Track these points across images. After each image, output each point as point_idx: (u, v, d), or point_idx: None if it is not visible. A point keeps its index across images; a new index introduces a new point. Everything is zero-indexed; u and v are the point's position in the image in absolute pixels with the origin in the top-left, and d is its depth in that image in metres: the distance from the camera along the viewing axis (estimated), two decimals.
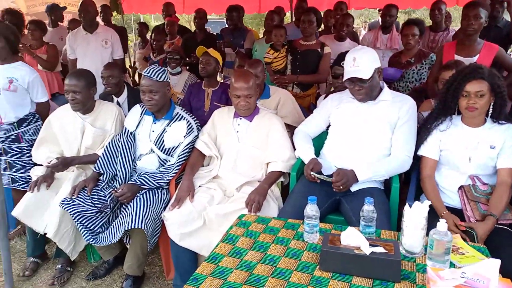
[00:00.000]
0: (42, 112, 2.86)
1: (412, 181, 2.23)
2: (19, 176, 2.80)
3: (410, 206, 1.53)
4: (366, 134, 2.19)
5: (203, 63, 3.17)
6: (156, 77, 2.41)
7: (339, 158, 2.24)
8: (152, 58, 4.73)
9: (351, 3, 6.37)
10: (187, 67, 4.19)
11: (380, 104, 2.21)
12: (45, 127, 2.70)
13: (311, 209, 1.61)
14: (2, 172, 2.86)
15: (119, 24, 6.24)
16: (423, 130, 2.16)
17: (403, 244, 1.54)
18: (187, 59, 4.32)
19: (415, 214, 1.50)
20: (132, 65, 5.83)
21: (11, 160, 2.77)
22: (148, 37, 5.78)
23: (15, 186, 2.81)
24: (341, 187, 2.07)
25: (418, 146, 2.16)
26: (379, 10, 7.16)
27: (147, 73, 2.42)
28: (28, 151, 2.77)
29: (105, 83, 2.96)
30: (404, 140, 2.15)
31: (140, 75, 5.57)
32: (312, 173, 2.12)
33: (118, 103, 3.07)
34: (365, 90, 2.14)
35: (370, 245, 1.42)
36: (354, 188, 2.14)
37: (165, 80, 2.46)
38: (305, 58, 3.65)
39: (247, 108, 2.38)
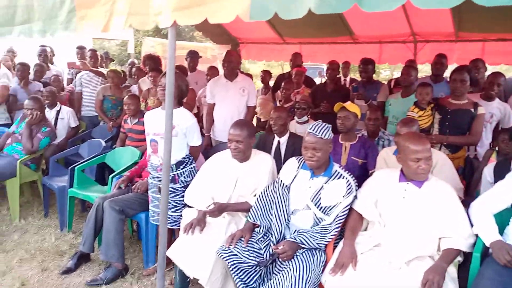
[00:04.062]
0: (194, 154, 3.00)
1: None
2: (169, 214, 2.91)
3: None
4: None
5: (342, 119, 3.11)
6: (321, 135, 2.37)
7: None
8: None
9: (485, 59, 5.94)
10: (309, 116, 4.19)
11: None
12: (202, 171, 2.81)
13: None
14: (154, 209, 3.03)
15: None
16: None
17: None
18: (315, 108, 4.34)
19: None
20: None
21: None
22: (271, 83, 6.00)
23: None
24: None
25: None
26: None
27: (312, 130, 2.39)
28: (181, 192, 2.89)
29: (273, 123, 3.32)
30: None
31: (258, 119, 5.73)
32: None
33: (279, 142, 3.33)
34: None
35: None
36: None
37: (329, 137, 2.41)
38: (456, 118, 3.39)
39: (427, 171, 2.22)
